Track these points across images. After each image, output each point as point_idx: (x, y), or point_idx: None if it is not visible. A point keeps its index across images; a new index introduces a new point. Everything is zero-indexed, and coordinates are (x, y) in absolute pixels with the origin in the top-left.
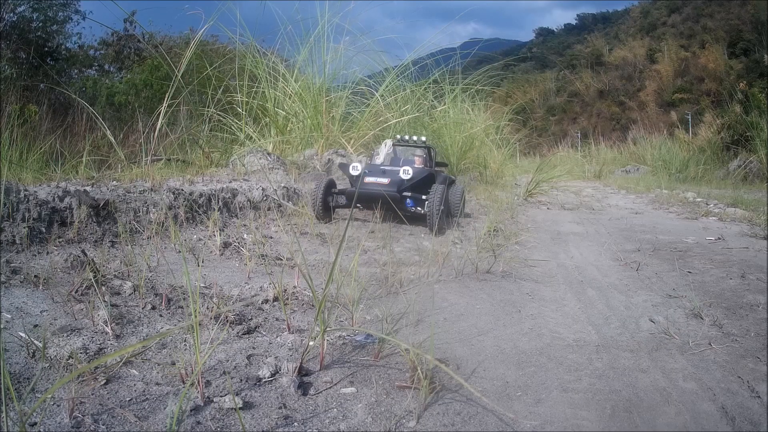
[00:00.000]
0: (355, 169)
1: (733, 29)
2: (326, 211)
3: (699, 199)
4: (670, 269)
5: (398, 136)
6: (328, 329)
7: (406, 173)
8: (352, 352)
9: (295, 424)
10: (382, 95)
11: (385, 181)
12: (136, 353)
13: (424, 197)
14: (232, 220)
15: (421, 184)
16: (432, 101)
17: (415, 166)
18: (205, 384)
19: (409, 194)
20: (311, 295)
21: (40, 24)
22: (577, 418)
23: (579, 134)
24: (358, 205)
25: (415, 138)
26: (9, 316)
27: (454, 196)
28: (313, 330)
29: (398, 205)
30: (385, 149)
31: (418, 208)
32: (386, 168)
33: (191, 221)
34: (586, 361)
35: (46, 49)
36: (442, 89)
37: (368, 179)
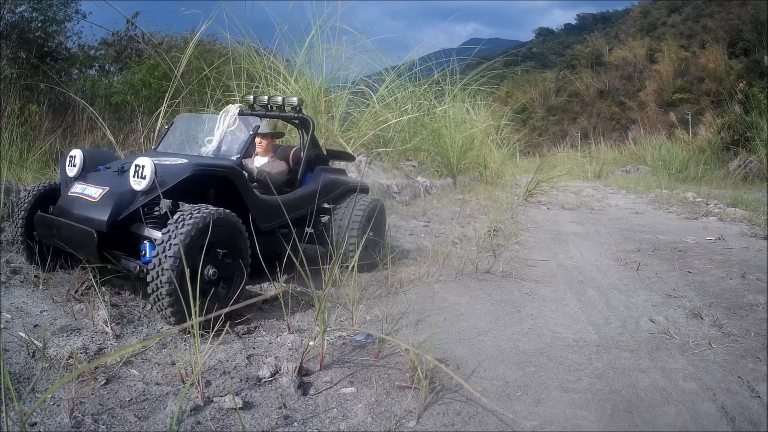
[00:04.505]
0: (73, 164)
1: (733, 29)
2: (33, 246)
3: (699, 199)
4: (670, 269)
5: (250, 98)
6: (328, 329)
7: (138, 178)
8: (352, 352)
9: (295, 424)
10: (382, 95)
11: (95, 194)
12: (136, 353)
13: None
14: None
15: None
16: (432, 101)
17: (234, 159)
18: (205, 384)
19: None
20: (311, 295)
21: (40, 24)
22: (577, 418)
23: (579, 134)
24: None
25: (279, 99)
26: (9, 316)
27: (348, 221)
28: (313, 330)
29: (111, 253)
30: (225, 121)
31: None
32: (134, 161)
33: None
34: (586, 361)
35: (46, 49)
36: (443, 89)
37: (75, 189)
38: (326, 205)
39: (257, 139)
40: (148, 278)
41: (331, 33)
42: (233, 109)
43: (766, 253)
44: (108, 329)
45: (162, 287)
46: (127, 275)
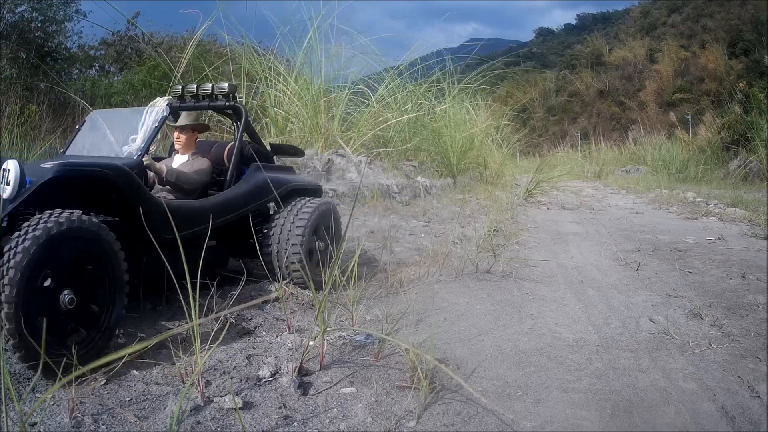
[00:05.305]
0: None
1: (733, 29)
2: None
3: (699, 199)
4: (670, 269)
5: (178, 88)
6: (328, 329)
7: (4, 185)
8: (352, 352)
9: (295, 424)
10: (382, 95)
11: None
12: (136, 353)
13: None
14: None
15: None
16: (432, 101)
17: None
18: (205, 384)
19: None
20: (311, 295)
21: (40, 24)
22: (577, 418)
23: (579, 134)
24: None
25: (208, 87)
26: None
27: (288, 236)
28: (313, 330)
29: None
30: (152, 116)
31: None
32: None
33: None
34: (586, 361)
35: (46, 49)
36: (443, 89)
37: None
38: (272, 211)
39: (175, 134)
40: None
41: (330, 33)
42: (161, 102)
43: (766, 253)
44: None
45: (0, 310)
46: None
